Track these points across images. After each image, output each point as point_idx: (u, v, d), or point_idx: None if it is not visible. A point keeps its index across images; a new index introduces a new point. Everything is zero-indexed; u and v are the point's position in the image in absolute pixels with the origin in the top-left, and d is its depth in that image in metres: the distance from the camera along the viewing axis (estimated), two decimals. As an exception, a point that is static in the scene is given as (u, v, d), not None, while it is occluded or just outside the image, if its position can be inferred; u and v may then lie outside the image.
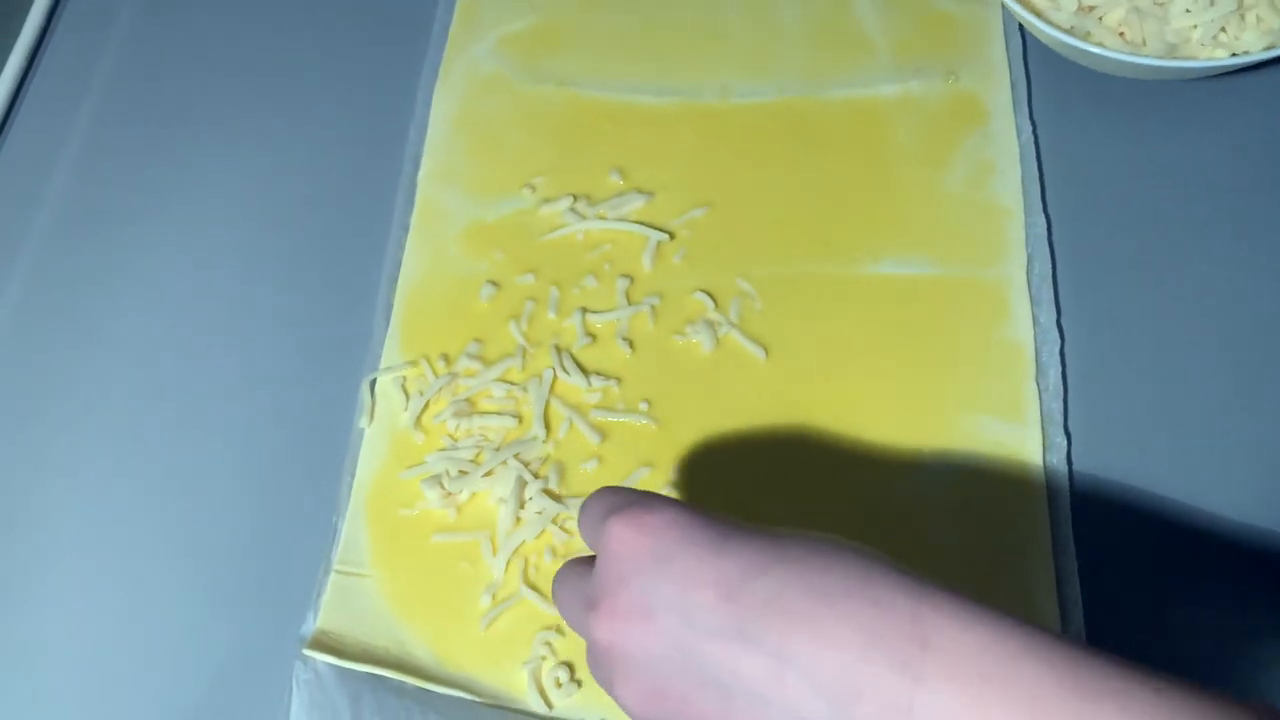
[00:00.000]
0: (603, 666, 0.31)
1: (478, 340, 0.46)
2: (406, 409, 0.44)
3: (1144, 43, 0.47)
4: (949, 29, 0.53)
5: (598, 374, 0.45)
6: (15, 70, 0.54)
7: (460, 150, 0.51)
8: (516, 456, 0.43)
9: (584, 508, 0.33)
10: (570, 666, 0.39)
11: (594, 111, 0.51)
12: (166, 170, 0.51)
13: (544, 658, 0.39)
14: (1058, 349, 0.44)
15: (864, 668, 0.26)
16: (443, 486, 0.42)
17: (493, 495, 0.42)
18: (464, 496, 0.42)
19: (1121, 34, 0.47)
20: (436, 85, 0.52)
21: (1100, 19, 0.48)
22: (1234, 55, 0.46)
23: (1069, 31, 0.47)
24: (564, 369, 0.44)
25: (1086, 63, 0.48)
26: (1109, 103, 0.50)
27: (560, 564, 0.40)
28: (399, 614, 0.41)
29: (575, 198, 0.49)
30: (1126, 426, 0.43)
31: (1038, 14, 0.48)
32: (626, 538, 0.30)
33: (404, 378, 0.45)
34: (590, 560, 0.33)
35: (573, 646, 0.40)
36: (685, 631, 0.29)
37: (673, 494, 0.42)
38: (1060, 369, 0.44)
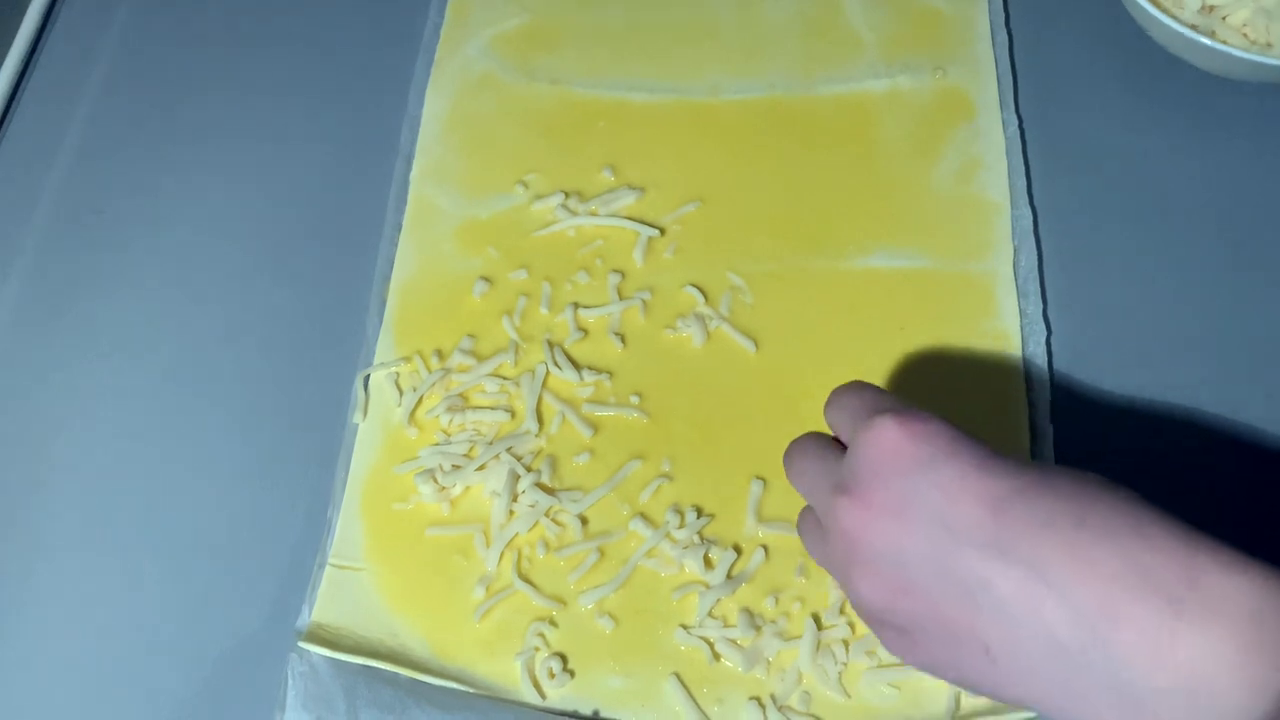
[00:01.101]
0: (839, 552, 0.31)
1: (471, 336, 0.46)
2: (400, 404, 0.44)
3: (1270, 45, 0.47)
4: (936, 25, 0.53)
5: (590, 368, 0.45)
6: (13, 68, 0.54)
7: (453, 148, 0.51)
8: (509, 450, 0.43)
9: (837, 396, 0.34)
10: (563, 657, 0.40)
11: (585, 109, 0.52)
12: (162, 170, 0.51)
13: (537, 649, 0.40)
14: (1044, 340, 0.44)
15: (1127, 597, 0.26)
16: (436, 481, 0.42)
17: (486, 489, 0.43)
18: (457, 490, 0.43)
19: (1245, 34, 0.47)
20: (429, 84, 0.53)
21: (1224, 19, 0.47)
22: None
23: (1193, 29, 0.46)
24: (556, 364, 0.45)
25: (1205, 63, 0.48)
26: (1095, 98, 0.51)
27: (552, 557, 0.41)
28: (393, 607, 0.41)
29: (567, 194, 0.49)
30: (1111, 417, 0.43)
31: (1163, 10, 0.48)
32: (892, 436, 0.30)
33: (397, 373, 0.45)
34: (832, 442, 0.34)
35: (565, 637, 0.40)
36: (943, 536, 0.29)
37: (665, 487, 0.42)
38: (1047, 360, 0.44)
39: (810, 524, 0.35)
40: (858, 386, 0.34)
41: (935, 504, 0.29)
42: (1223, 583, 0.26)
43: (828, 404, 0.35)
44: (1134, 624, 0.26)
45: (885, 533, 0.30)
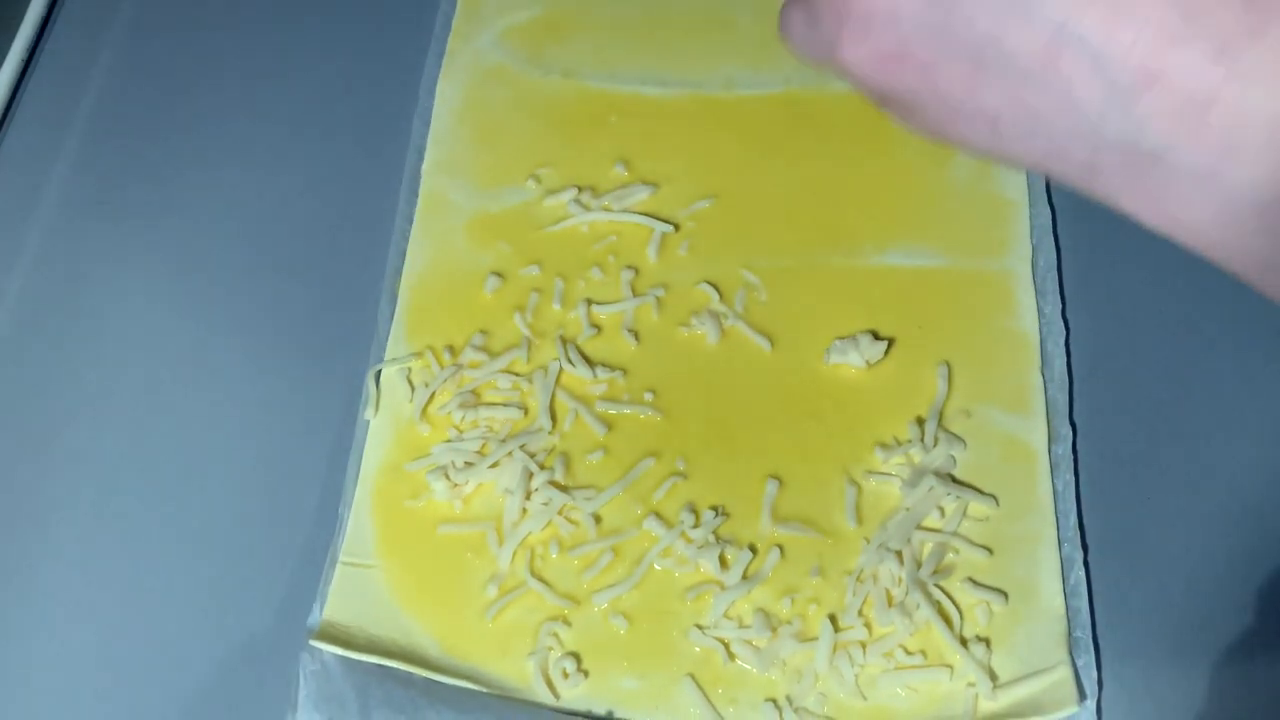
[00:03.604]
0: (828, 21, 0.26)
1: (483, 332, 0.46)
2: (412, 400, 0.44)
3: None
4: (953, 20, 0.53)
5: (603, 365, 0.45)
6: (16, 62, 0.53)
7: (464, 142, 0.51)
8: (522, 448, 0.43)
9: None
10: (577, 657, 0.39)
11: (598, 103, 0.51)
12: (170, 162, 0.51)
13: (550, 648, 0.39)
14: (1063, 340, 0.44)
15: (1167, 48, 0.21)
16: (448, 478, 0.42)
17: (498, 486, 0.42)
18: (469, 488, 0.42)
19: None
20: (440, 76, 0.52)
21: None
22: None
23: None
24: (569, 360, 0.44)
25: None
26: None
27: (565, 555, 0.41)
28: (405, 605, 0.41)
29: (580, 189, 0.49)
30: (1132, 417, 0.43)
31: None
32: None
33: (409, 369, 0.45)
34: None
35: (579, 637, 0.40)
36: None
37: (679, 486, 0.42)
38: (1065, 360, 0.44)
39: (795, 11, 0.28)
40: None
41: None
42: None
43: None
44: (1169, 84, 0.22)
45: None
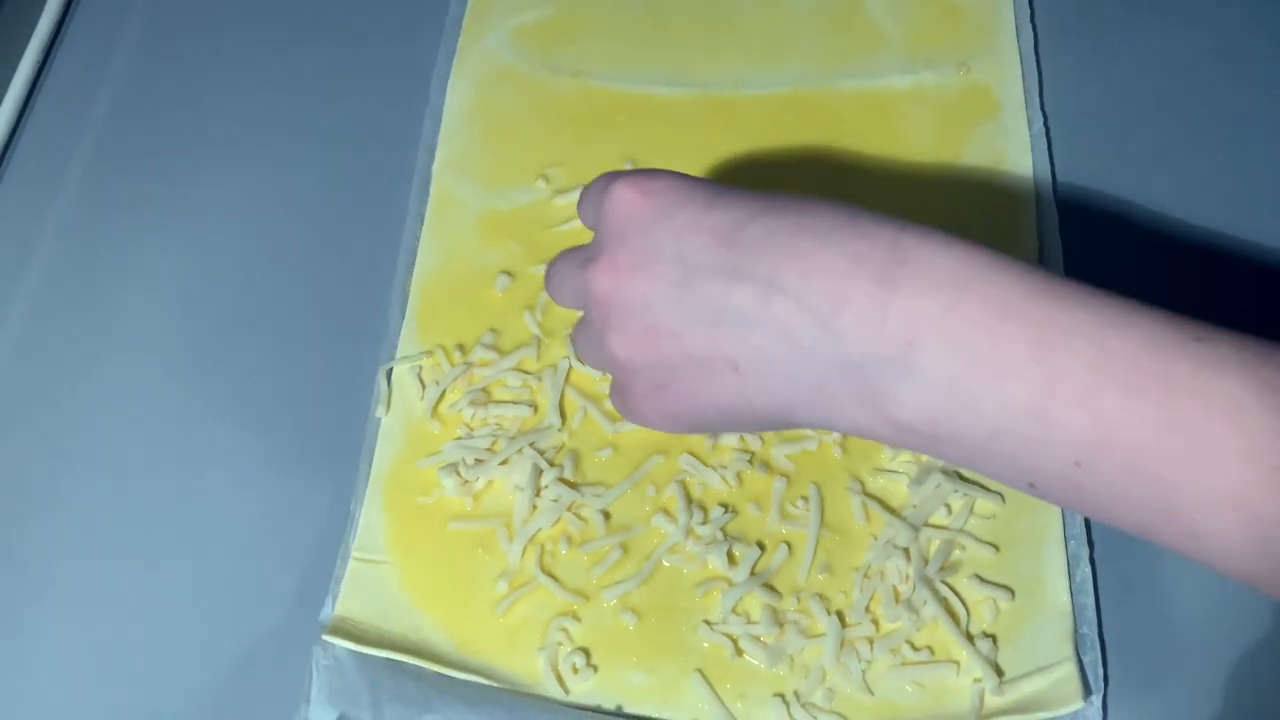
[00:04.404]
0: (596, 320, 0.33)
1: (493, 330, 0.46)
2: (423, 398, 0.44)
3: None
4: (960, 20, 0.53)
5: (612, 363, 0.45)
6: (32, 62, 0.54)
7: (474, 141, 0.51)
8: (532, 445, 0.43)
9: (584, 192, 0.35)
10: (586, 652, 0.40)
11: (607, 102, 0.52)
12: (182, 161, 0.51)
13: (560, 644, 0.40)
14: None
15: (847, 283, 0.29)
16: (459, 475, 0.42)
17: (509, 483, 0.43)
18: (480, 485, 0.43)
19: None
20: (450, 76, 0.53)
21: None
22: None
23: None
24: (578, 358, 0.45)
25: None
26: (1121, 95, 0.50)
27: (575, 552, 0.41)
28: (416, 600, 0.41)
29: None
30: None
31: None
32: (629, 198, 0.32)
33: (420, 367, 0.45)
34: (586, 247, 0.35)
35: (588, 632, 0.40)
36: (681, 273, 0.31)
37: (687, 482, 0.42)
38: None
39: (579, 327, 0.36)
40: (599, 177, 0.35)
41: (671, 245, 0.31)
42: (929, 259, 0.28)
43: (579, 205, 0.36)
44: (855, 306, 0.29)
45: (632, 286, 0.31)
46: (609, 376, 0.43)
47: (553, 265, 0.36)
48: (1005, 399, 0.27)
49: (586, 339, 0.34)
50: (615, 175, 0.33)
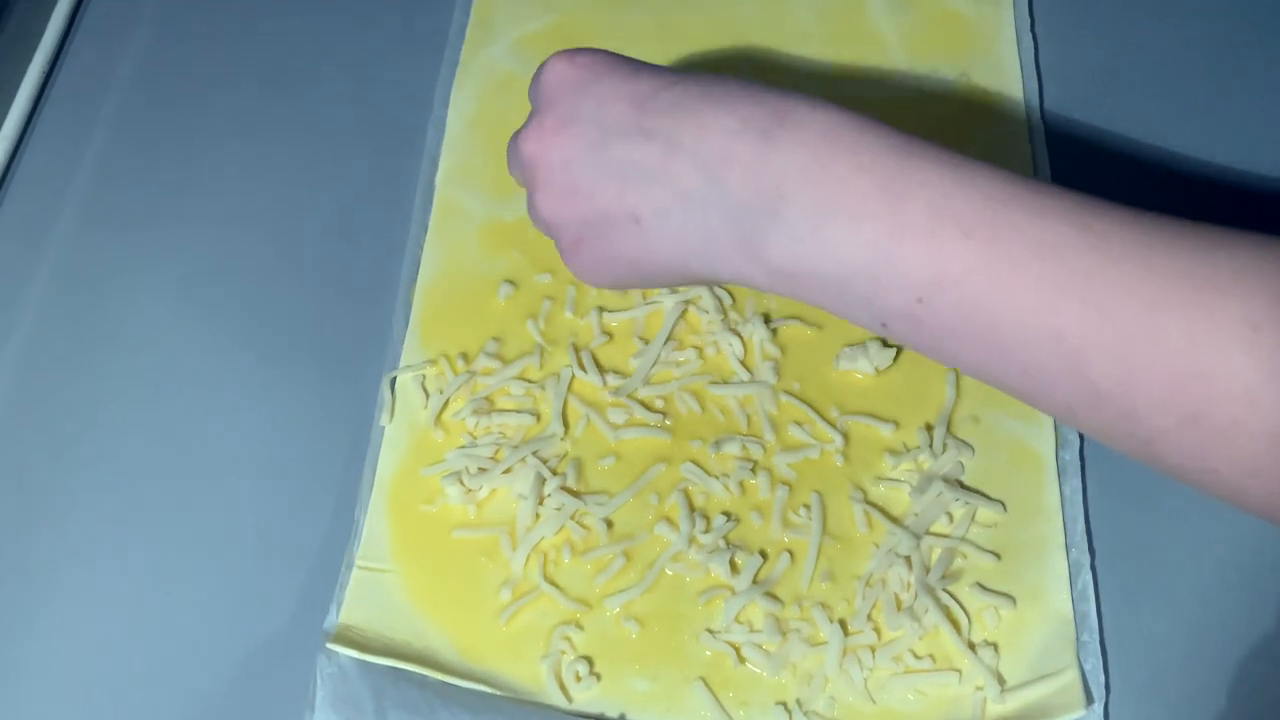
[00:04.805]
0: (528, 181, 0.36)
1: (496, 339, 0.46)
2: (426, 407, 0.45)
3: None
4: (960, 29, 0.53)
5: (614, 372, 0.45)
6: (39, 67, 0.54)
7: (478, 150, 0.51)
8: (535, 454, 0.43)
9: (534, 75, 0.37)
10: (590, 660, 0.40)
11: (610, 112, 0.52)
12: (187, 172, 0.52)
13: (563, 652, 0.40)
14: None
15: (734, 140, 0.32)
16: (463, 483, 0.43)
17: (512, 492, 0.43)
18: (483, 493, 0.43)
19: None
20: (454, 86, 0.53)
21: None
22: None
23: None
24: (581, 367, 0.45)
25: None
26: (1120, 104, 0.51)
27: (578, 560, 0.41)
28: (420, 608, 0.41)
29: (591, 197, 0.49)
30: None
31: None
32: (560, 68, 0.36)
33: (424, 376, 0.45)
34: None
35: (593, 641, 0.40)
36: (598, 135, 0.34)
37: (690, 491, 0.42)
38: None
39: (512, 164, 0.38)
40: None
41: (593, 113, 0.34)
42: (804, 118, 0.32)
43: (529, 88, 0.38)
44: (738, 160, 0.32)
45: (556, 147, 0.35)
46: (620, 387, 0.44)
47: (509, 144, 0.39)
48: (859, 243, 0.31)
49: (529, 193, 0.37)
50: (556, 53, 0.36)
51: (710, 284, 0.36)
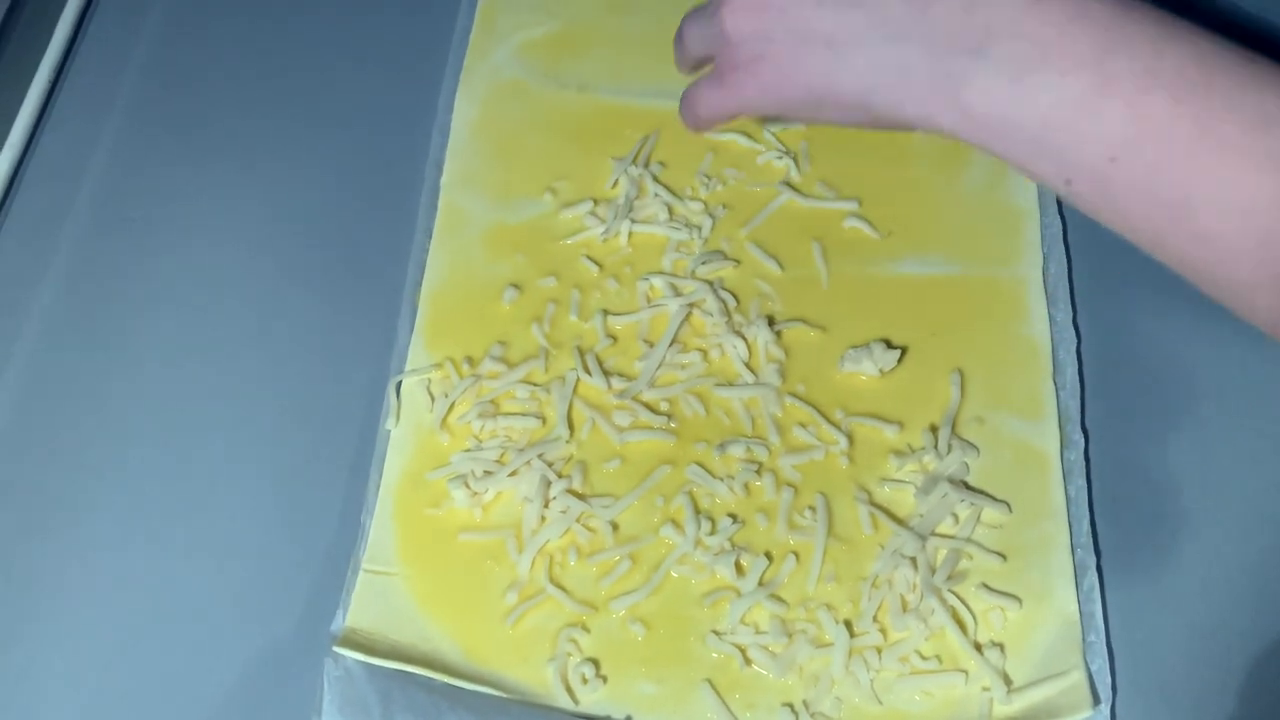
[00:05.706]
0: (713, 4, 0.35)
1: (501, 342, 0.46)
2: (432, 410, 0.45)
3: None
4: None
5: (619, 375, 0.45)
6: (45, 78, 0.54)
7: (482, 155, 0.51)
8: (540, 457, 0.43)
9: None
10: (596, 663, 0.40)
11: (614, 116, 0.52)
12: (193, 177, 0.52)
13: (570, 654, 0.40)
14: (1074, 347, 0.44)
15: None
16: (468, 486, 0.43)
17: (518, 495, 0.43)
18: (489, 496, 0.43)
19: None
20: (458, 91, 0.53)
21: None
22: None
23: None
24: (586, 370, 0.45)
25: None
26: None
27: (584, 562, 0.41)
28: (426, 611, 0.41)
29: (595, 202, 0.49)
30: (1143, 422, 0.43)
31: None
32: None
33: (429, 380, 0.45)
34: None
35: (597, 643, 0.40)
36: None
37: (695, 493, 0.42)
38: (1077, 366, 0.44)
39: (690, 18, 0.38)
40: None
41: None
42: None
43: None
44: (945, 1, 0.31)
45: None
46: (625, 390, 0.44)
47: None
48: (1063, 90, 0.29)
49: (698, 24, 0.36)
50: None
51: (885, 125, 0.34)
